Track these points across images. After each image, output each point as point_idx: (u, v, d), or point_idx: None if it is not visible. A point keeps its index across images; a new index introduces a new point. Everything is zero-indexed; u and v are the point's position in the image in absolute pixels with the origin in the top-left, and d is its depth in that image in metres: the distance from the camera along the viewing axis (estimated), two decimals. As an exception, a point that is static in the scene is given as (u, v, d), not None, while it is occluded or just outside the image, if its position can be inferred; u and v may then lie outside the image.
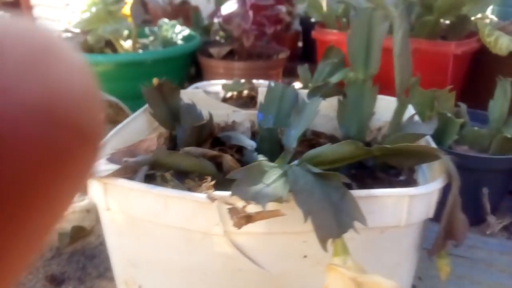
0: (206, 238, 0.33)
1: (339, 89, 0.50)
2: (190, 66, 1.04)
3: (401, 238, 0.35)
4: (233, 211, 0.29)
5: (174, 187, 0.36)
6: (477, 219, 0.64)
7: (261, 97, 0.56)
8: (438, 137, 0.61)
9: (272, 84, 0.55)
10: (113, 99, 0.67)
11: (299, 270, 0.35)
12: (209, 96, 0.56)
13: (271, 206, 0.31)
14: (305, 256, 0.35)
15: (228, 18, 0.91)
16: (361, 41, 0.49)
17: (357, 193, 0.31)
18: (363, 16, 0.47)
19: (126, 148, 0.39)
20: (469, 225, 0.69)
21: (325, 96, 0.49)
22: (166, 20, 1.01)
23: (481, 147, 0.65)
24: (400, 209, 0.32)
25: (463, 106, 0.65)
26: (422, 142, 0.41)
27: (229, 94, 0.75)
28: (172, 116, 0.46)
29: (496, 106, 0.65)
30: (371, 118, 0.52)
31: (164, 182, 0.38)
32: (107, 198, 0.34)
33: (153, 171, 0.39)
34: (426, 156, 0.33)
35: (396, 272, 0.36)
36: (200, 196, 0.31)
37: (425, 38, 0.75)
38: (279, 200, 0.28)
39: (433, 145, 0.39)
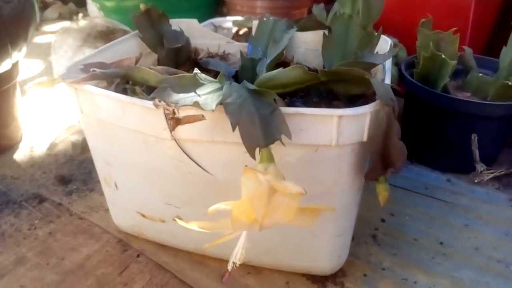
0: (159, 141, 0.38)
1: (322, 23, 0.51)
2: (219, 4, 1.06)
3: (335, 158, 0.37)
4: (168, 114, 0.33)
5: (140, 98, 0.41)
6: (469, 166, 0.63)
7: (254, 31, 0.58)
8: (433, 78, 0.60)
9: (265, 18, 0.56)
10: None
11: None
12: (205, 27, 0.59)
13: (212, 114, 0.35)
14: (246, 166, 0.38)
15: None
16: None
17: (286, 110, 0.34)
18: None
19: (109, 64, 0.44)
20: (458, 171, 0.69)
21: (306, 29, 0.51)
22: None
23: (484, 94, 0.63)
24: (330, 128, 0.35)
25: (468, 51, 0.62)
26: (379, 72, 0.42)
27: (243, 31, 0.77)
28: (160, 40, 0.50)
29: (507, 53, 0.62)
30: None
31: (134, 94, 0.43)
32: (79, 101, 0.40)
33: (130, 86, 0.44)
34: (360, 80, 0.35)
35: (333, 190, 0.39)
36: (148, 102, 0.35)
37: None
38: (195, 105, 0.31)
39: (388, 75, 0.40)
